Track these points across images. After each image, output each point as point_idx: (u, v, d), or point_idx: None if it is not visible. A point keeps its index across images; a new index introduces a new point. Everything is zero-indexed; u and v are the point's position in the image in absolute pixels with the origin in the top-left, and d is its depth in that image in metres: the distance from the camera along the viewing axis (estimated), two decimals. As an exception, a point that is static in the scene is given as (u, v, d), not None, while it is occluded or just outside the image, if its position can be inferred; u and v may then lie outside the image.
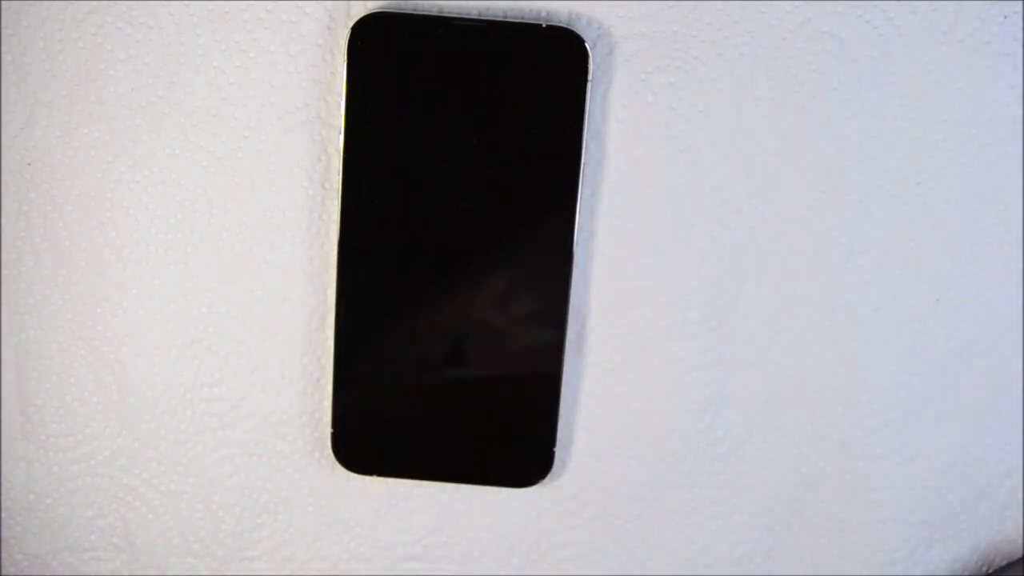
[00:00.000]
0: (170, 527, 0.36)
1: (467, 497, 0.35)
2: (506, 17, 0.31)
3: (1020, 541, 0.36)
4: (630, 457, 0.35)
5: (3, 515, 0.36)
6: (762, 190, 0.33)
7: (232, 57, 0.31)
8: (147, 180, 0.32)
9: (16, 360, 0.34)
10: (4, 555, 0.36)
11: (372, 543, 0.36)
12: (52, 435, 0.35)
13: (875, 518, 0.36)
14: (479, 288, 0.32)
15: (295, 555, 0.36)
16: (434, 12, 0.30)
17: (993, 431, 0.35)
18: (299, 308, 0.33)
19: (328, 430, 0.34)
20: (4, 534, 0.36)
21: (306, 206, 0.33)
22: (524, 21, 0.30)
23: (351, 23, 0.30)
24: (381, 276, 0.32)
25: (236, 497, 0.35)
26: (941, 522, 0.36)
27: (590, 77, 0.30)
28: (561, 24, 0.30)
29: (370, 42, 0.30)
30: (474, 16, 0.30)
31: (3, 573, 0.36)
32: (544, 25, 0.30)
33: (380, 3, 0.31)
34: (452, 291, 0.32)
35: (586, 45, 0.30)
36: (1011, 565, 0.36)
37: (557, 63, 0.30)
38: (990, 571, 0.37)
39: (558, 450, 0.34)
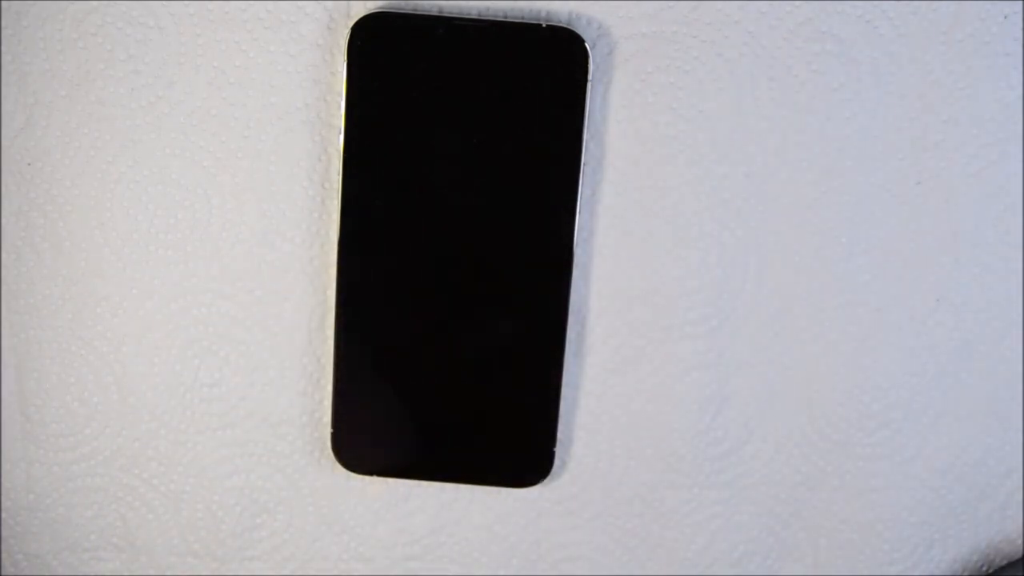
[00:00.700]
0: (170, 527, 0.36)
1: (467, 497, 0.35)
2: (506, 17, 0.31)
3: (1020, 541, 0.36)
4: (630, 457, 0.35)
5: (3, 515, 0.36)
6: (762, 190, 0.33)
7: (232, 57, 0.31)
8: (147, 180, 0.32)
9: (16, 360, 0.34)
10: (4, 555, 0.36)
11: (372, 543, 0.36)
12: (52, 435, 0.35)
13: (875, 518, 0.36)
14: (479, 288, 0.32)
15: (295, 555, 0.36)
16: (434, 12, 0.30)
17: (993, 431, 0.35)
18: (299, 308, 0.33)
19: (328, 430, 0.34)
20: (4, 534, 0.36)
21: (306, 206, 0.33)
22: (524, 21, 0.30)
23: (351, 23, 0.30)
24: (381, 276, 0.32)
25: (236, 497, 0.35)
26: (941, 522, 0.36)
27: (590, 77, 0.30)
28: (561, 24, 0.30)
29: (370, 42, 0.30)
30: (474, 16, 0.30)
31: (3, 573, 0.36)
32: (544, 25, 0.30)
33: (380, 3, 0.31)
34: (452, 291, 0.32)
35: (586, 45, 0.30)
36: (1011, 565, 0.36)
37: (557, 63, 0.30)
38: (990, 571, 0.37)
39: (558, 450, 0.34)
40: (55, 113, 0.32)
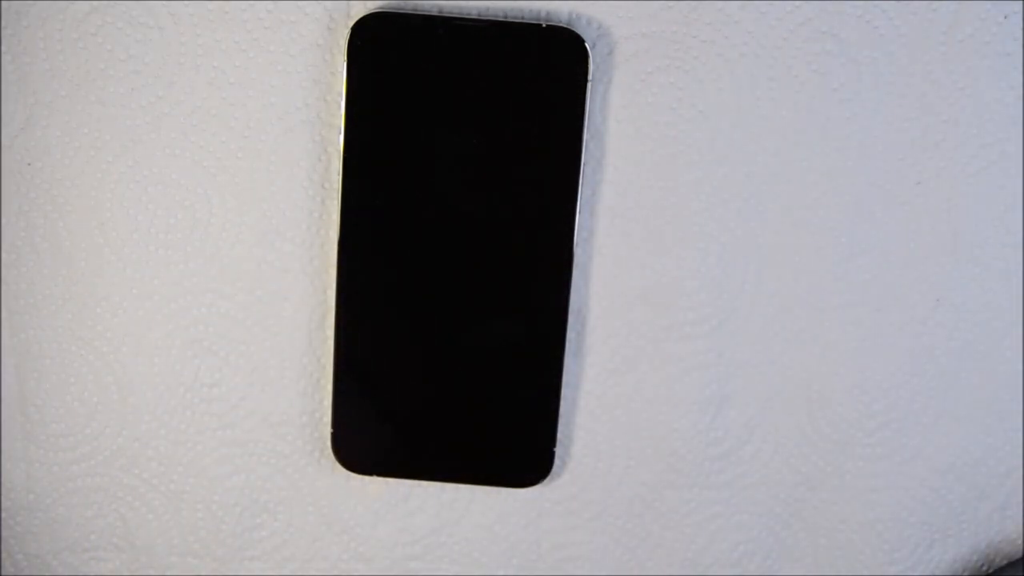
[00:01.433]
0: (170, 527, 0.36)
1: (467, 497, 0.35)
2: (506, 17, 0.31)
3: (1020, 541, 0.36)
4: (630, 457, 0.35)
5: (3, 515, 0.36)
6: (762, 190, 0.33)
7: (232, 57, 0.31)
8: (147, 180, 0.32)
9: (16, 360, 0.34)
10: (4, 555, 0.36)
11: (372, 543, 0.36)
12: (52, 435, 0.35)
13: (875, 518, 0.36)
14: (478, 288, 0.32)
15: (295, 555, 0.36)
16: (434, 12, 0.30)
17: (993, 431, 0.35)
18: (299, 308, 0.33)
19: (328, 430, 0.34)
20: (4, 534, 0.36)
21: (306, 206, 0.33)
22: (524, 21, 0.30)
23: (351, 23, 0.30)
24: (381, 276, 0.32)
25: (236, 497, 0.35)
26: (941, 522, 0.36)
27: (590, 77, 0.30)
28: (561, 24, 0.30)
29: (370, 41, 0.30)
30: (474, 16, 0.30)
31: (3, 573, 0.36)
32: (544, 25, 0.30)
33: (380, 3, 0.31)
34: (452, 291, 0.32)
35: (586, 45, 0.30)
36: (1011, 565, 0.36)
37: (557, 63, 0.30)
38: (990, 571, 0.37)
39: (558, 450, 0.34)
40: (55, 113, 0.32)
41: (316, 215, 0.33)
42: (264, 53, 0.31)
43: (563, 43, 0.30)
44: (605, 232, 0.33)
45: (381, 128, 0.31)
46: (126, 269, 0.33)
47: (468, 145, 0.31)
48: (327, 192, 0.32)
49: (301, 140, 0.32)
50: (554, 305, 0.32)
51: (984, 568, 0.37)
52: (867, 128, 0.32)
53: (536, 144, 0.31)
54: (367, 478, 0.35)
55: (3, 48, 0.31)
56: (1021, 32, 0.31)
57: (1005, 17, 0.31)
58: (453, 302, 0.32)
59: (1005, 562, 0.37)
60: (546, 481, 0.34)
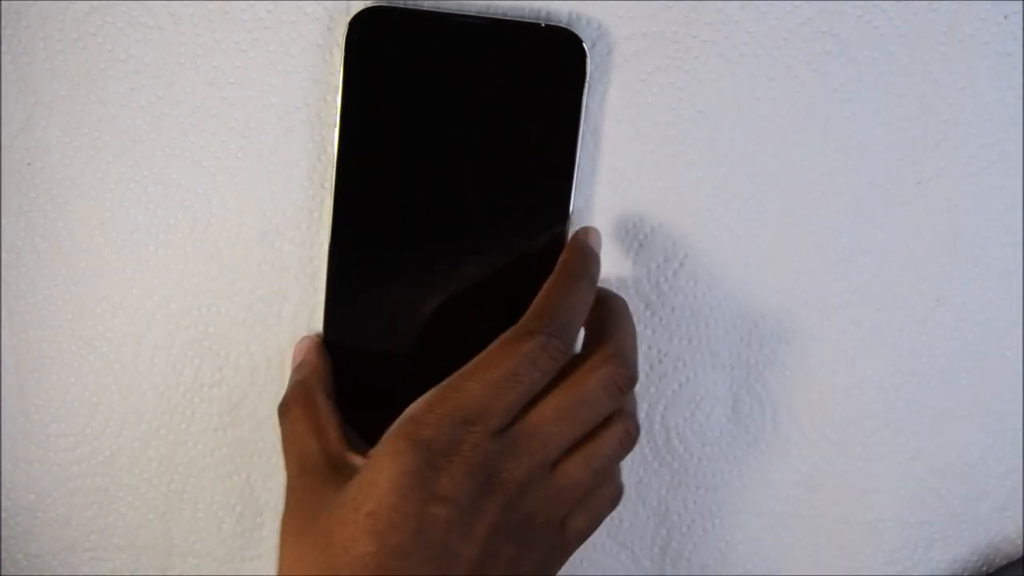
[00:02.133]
0: (170, 527, 0.36)
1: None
2: (506, 16, 0.31)
3: (1020, 541, 0.36)
4: (630, 457, 0.35)
5: (3, 515, 0.36)
6: (762, 190, 0.33)
7: (232, 57, 0.31)
8: (147, 180, 0.32)
9: (16, 360, 0.34)
10: (4, 555, 0.36)
11: (372, 543, 0.36)
12: (52, 435, 0.35)
13: (875, 518, 0.36)
14: (474, 289, 0.32)
15: (295, 555, 0.36)
16: (433, 8, 0.30)
17: (993, 431, 0.35)
18: (299, 308, 0.33)
19: None
20: (4, 534, 0.36)
21: (306, 206, 0.33)
22: (523, 20, 0.30)
23: (349, 17, 0.30)
24: (373, 275, 0.32)
25: (236, 497, 0.35)
26: (941, 522, 0.36)
27: (588, 77, 0.30)
28: (560, 24, 0.30)
29: (368, 36, 0.30)
30: (473, 13, 0.30)
31: (3, 573, 0.36)
32: (543, 25, 0.30)
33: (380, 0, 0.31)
34: (445, 292, 0.32)
35: (584, 45, 0.30)
36: (1011, 565, 0.36)
37: (555, 63, 0.30)
38: (990, 571, 0.37)
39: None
40: (55, 113, 0.32)
41: (316, 215, 0.33)
42: (264, 53, 0.31)
43: (562, 43, 0.30)
44: (604, 231, 0.33)
45: (376, 123, 0.31)
46: (126, 269, 0.33)
47: (465, 142, 0.31)
48: (327, 192, 0.32)
49: (301, 140, 0.32)
50: None
51: (984, 568, 0.37)
52: (867, 128, 0.32)
53: (532, 143, 0.31)
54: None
55: (3, 48, 0.31)
56: (1021, 32, 0.31)
57: (1005, 17, 0.31)
58: (448, 304, 0.32)
59: (1005, 562, 0.37)
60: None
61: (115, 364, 0.34)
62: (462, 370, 0.27)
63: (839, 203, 0.33)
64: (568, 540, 0.28)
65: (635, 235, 0.33)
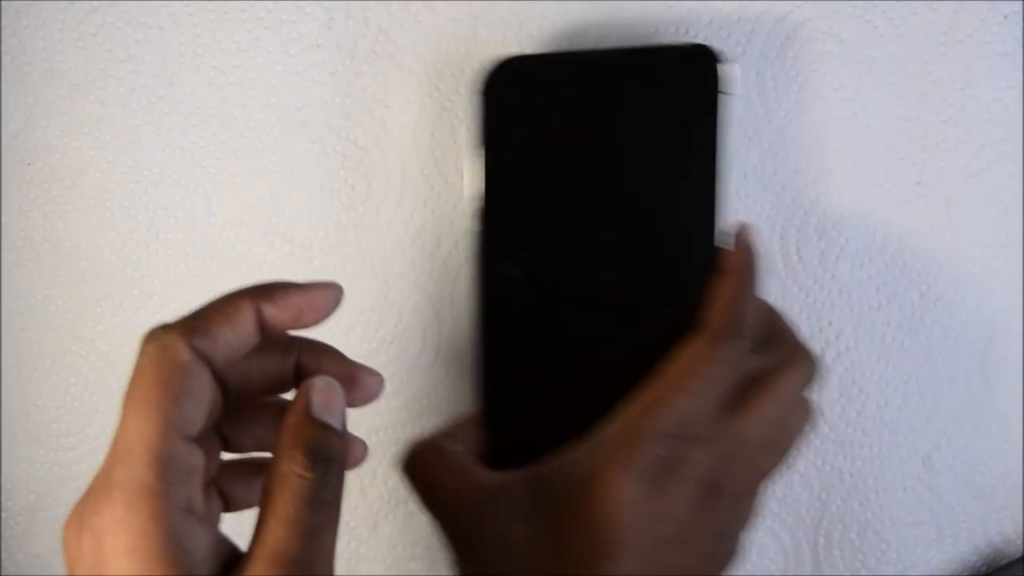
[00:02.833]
0: (170, 527, 0.36)
1: (467, 497, 0.35)
2: (639, 43, 0.30)
3: (1020, 541, 0.36)
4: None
5: (3, 515, 0.36)
6: (762, 190, 0.33)
7: (232, 57, 0.31)
8: (147, 180, 0.32)
9: (16, 360, 0.34)
10: (4, 555, 0.36)
11: (372, 543, 0.36)
12: (53, 435, 0.35)
13: (875, 518, 0.36)
14: (622, 322, 0.30)
15: (295, 555, 0.36)
16: (565, 49, 0.30)
17: (993, 431, 0.35)
18: (299, 308, 0.33)
19: None
20: (4, 534, 0.36)
21: (306, 206, 0.33)
22: (656, 44, 0.30)
23: (484, 69, 0.29)
24: (523, 317, 0.30)
25: (236, 497, 0.35)
26: (941, 522, 0.36)
27: (725, 89, 0.28)
28: (691, 42, 0.30)
29: (505, 87, 0.29)
30: (606, 48, 0.30)
31: (3, 573, 0.36)
32: (679, 44, 0.29)
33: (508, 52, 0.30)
34: (595, 327, 0.30)
35: (718, 56, 0.28)
36: (1011, 565, 0.36)
37: (691, 78, 0.29)
38: (990, 571, 0.37)
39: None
40: (55, 113, 0.32)
41: (316, 215, 0.33)
42: (264, 53, 0.31)
43: (694, 57, 0.28)
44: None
45: (520, 168, 0.29)
46: (126, 269, 0.33)
47: (611, 175, 0.29)
48: (326, 192, 0.32)
49: (301, 140, 0.32)
50: None
51: (984, 568, 0.37)
52: (867, 128, 0.32)
53: (678, 161, 0.29)
54: (366, 479, 0.35)
55: (3, 48, 0.31)
56: (1021, 32, 0.31)
57: (1005, 17, 0.31)
58: (603, 328, 0.30)
59: (1005, 562, 0.37)
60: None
61: (115, 364, 0.34)
62: (661, 383, 0.26)
63: (840, 203, 0.33)
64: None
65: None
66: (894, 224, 0.33)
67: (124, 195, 0.32)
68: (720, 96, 0.28)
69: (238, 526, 0.24)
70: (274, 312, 0.23)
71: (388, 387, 0.32)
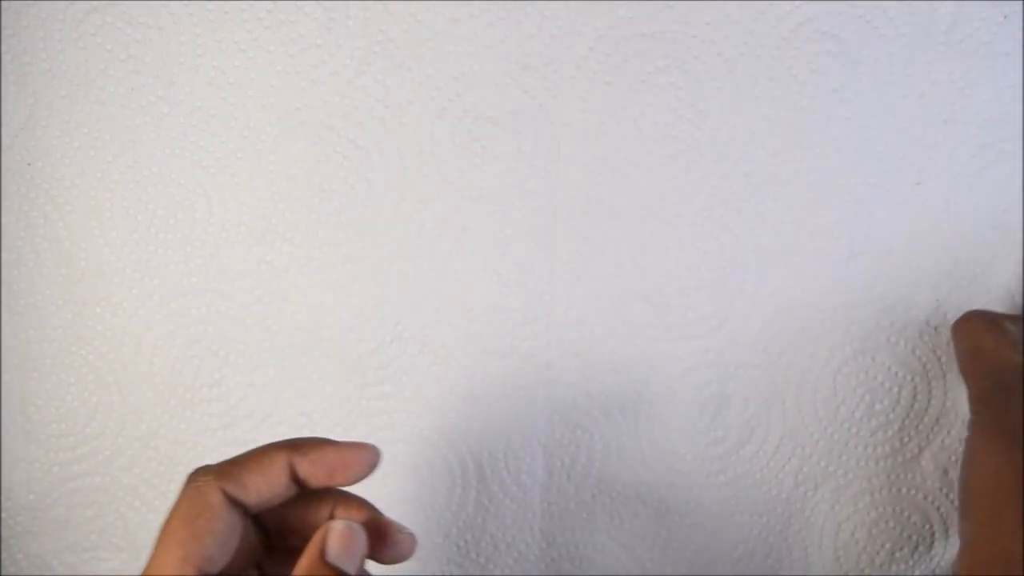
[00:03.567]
0: (170, 527, 0.36)
1: (466, 498, 0.35)
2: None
3: (1020, 541, 0.36)
4: (630, 457, 0.35)
5: (3, 515, 0.36)
6: (762, 190, 0.33)
7: (232, 57, 0.31)
8: (147, 180, 0.32)
9: (16, 360, 0.34)
10: (4, 555, 0.36)
11: (372, 543, 0.36)
12: (52, 435, 0.35)
13: (875, 518, 0.36)
14: None
15: (295, 555, 0.36)
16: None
17: (993, 431, 0.35)
18: (299, 308, 0.33)
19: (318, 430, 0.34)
20: (4, 534, 0.36)
21: (306, 206, 0.33)
22: None
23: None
24: None
25: (236, 497, 0.35)
26: (941, 522, 0.36)
27: None
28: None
29: None
30: None
31: (3, 573, 0.36)
32: None
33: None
34: None
35: None
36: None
37: None
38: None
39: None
40: (55, 113, 0.32)
41: (316, 215, 0.33)
42: (264, 53, 0.31)
43: None
44: (604, 232, 0.33)
45: None
46: (126, 269, 0.33)
47: None
48: (326, 192, 0.32)
49: (301, 140, 0.32)
50: None
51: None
52: (867, 128, 0.32)
53: None
54: (364, 479, 0.35)
55: (3, 48, 0.31)
56: (1021, 32, 0.31)
57: (1005, 17, 0.31)
58: None
59: (1005, 562, 0.37)
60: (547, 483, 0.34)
61: (115, 364, 0.34)
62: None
63: (839, 203, 0.33)
64: None
65: (635, 235, 0.33)
66: (894, 224, 0.33)
67: (124, 195, 0.32)
68: None
69: None
70: (307, 467, 0.24)
71: (388, 387, 0.32)
